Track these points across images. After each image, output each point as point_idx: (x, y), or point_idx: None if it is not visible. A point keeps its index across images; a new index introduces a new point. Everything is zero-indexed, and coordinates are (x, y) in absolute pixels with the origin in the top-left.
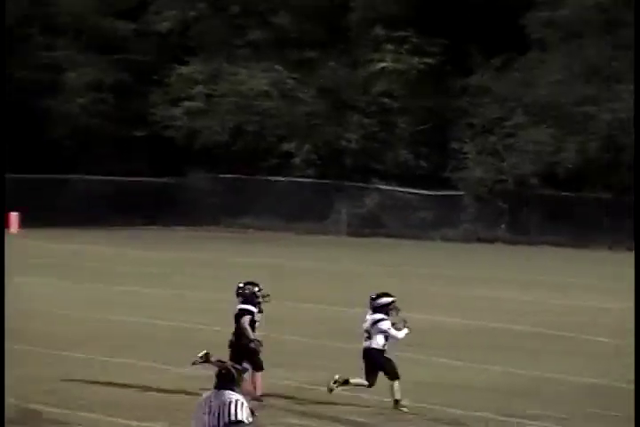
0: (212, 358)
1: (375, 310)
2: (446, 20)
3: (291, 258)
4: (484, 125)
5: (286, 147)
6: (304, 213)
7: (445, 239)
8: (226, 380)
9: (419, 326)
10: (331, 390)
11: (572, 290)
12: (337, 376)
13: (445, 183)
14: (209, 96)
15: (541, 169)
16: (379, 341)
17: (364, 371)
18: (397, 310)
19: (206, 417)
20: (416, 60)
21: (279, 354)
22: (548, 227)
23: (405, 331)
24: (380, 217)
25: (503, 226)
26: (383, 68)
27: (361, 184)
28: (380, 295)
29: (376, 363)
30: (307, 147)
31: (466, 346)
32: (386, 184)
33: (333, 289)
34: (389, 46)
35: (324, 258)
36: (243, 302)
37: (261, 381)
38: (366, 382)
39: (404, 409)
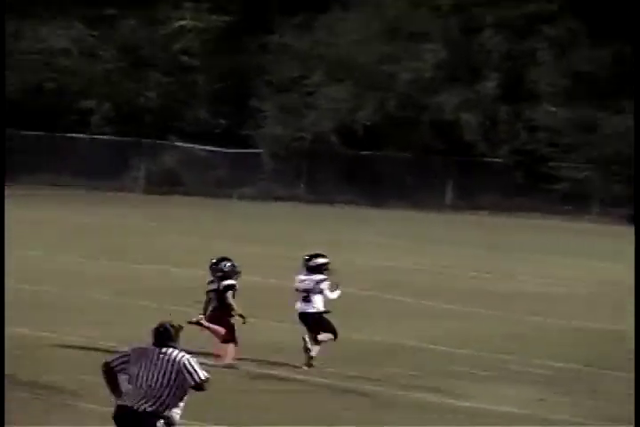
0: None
1: (311, 269)
2: None
3: (83, 213)
4: (284, 83)
5: (86, 104)
6: (102, 170)
7: (242, 197)
8: (164, 337)
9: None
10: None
11: (371, 248)
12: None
13: (245, 141)
14: (9, 54)
15: (340, 127)
16: (318, 303)
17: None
18: (330, 271)
19: (144, 378)
20: (215, 18)
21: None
22: (347, 185)
23: (338, 292)
24: (178, 175)
25: (301, 184)
26: (182, 26)
27: (159, 142)
28: (313, 256)
29: (313, 326)
30: (106, 105)
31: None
32: (184, 142)
33: (126, 246)
34: (188, 4)
35: (119, 215)
36: (222, 278)
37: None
38: (332, 336)
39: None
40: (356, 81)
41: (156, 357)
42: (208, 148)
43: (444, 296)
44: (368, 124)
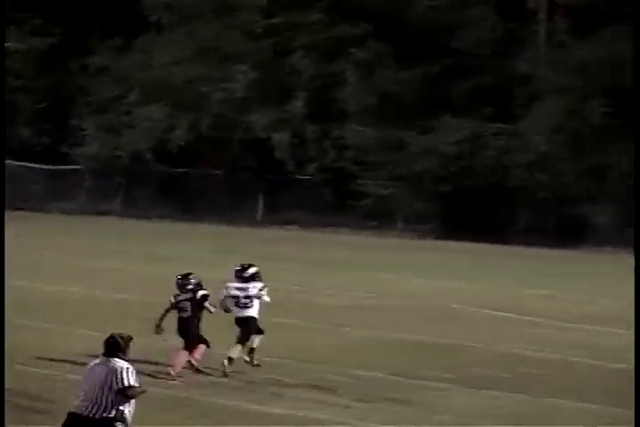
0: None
1: (246, 279)
2: (67, 3)
3: None
4: (103, 103)
5: None
6: None
7: (64, 212)
8: (113, 348)
9: (48, 298)
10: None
11: (187, 262)
12: (226, 362)
13: (65, 158)
14: None
15: (156, 145)
16: (256, 308)
17: (238, 335)
18: (261, 279)
19: (89, 384)
20: (38, 40)
21: None
22: (162, 201)
23: (267, 298)
24: None
25: (118, 200)
26: (6, 47)
27: None
28: (245, 267)
29: (254, 328)
30: None
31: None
32: (7, 159)
33: None
34: (12, 27)
35: None
36: (195, 290)
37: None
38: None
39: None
40: (170, 101)
41: (101, 366)
42: (29, 164)
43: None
44: (182, 143)
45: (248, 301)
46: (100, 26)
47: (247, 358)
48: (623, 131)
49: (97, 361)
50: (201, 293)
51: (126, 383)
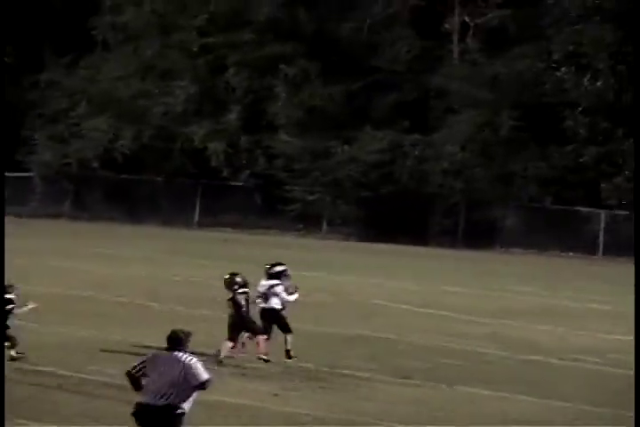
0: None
1: (270, 276)
2: (20, 22)
3: None
4: (53, 115)
5: None
6: None
7: (18, 216)
8: (175, 343)
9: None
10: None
11: (130, 261)
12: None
13: (19, 166)
14: None
15: (102, 154)
16: (274, 302)
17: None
18: (289, 276)
19: (157, 377)
20: None
21: None
22: (108, 205)
23: (296, 295)
24: None
25: (67, 203)
26: None
27: None
28: (274, 265)
29: (272, 320)
30: None
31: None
32: None
33: None
34: None
35: None
36: (241, 287)
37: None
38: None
39: (295, 359)
40: (115, 114)
41: (167, 360)
42: None
43: (196, 303)
44: (127, 152)
45: (271, 295)
46: (51, 44)
47: (286, 358)
48: (528, 142)
49: (159, 354)
50: (244, 290)
51: (204, 378)
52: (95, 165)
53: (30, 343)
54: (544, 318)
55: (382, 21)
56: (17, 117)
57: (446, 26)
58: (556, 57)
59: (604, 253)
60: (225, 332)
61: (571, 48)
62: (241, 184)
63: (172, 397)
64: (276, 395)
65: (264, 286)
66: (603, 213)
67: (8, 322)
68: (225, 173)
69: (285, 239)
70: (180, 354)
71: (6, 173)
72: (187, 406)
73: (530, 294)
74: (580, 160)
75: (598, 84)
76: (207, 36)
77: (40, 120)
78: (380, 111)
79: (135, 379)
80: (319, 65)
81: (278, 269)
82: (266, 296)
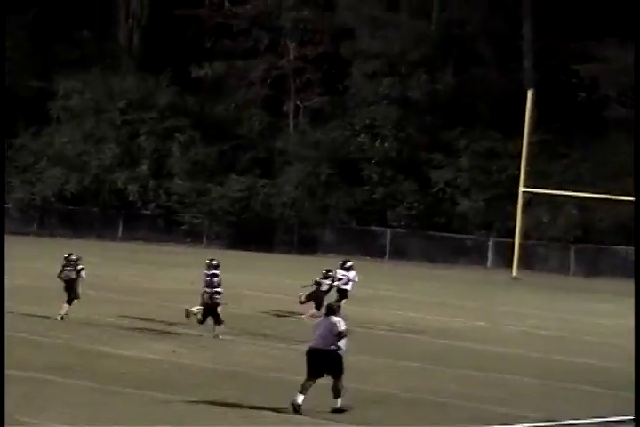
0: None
1: (346, 269)
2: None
3: None
4: (24, 167)
5: None
6: None
7: None
8: (331, 311)
9: None
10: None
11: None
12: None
13: None
14: None
15: (56, 193)
16: (347, 286)
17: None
18: (352, 267)
19: (320, 331)
20: None
21: None
22: (61, 227)
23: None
24: None
25: (34, 226)
26: None
27: None
28: (345, 261)
29: (345, 295)
30: None
31: None
32: None
33: None
34: None
35: None
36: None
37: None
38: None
39: None
40: (66, 166)
41: (326, 320)
42: None
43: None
44: (73, 191)
45: (346, 280)
46: (22, 119)
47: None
48: (339, 184)
49: (322, 319)
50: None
51: (341, 329)
52: (52, 200)
53: None
54: (356, 300)
55: (243, 104)
56: None
57: (285, 107)
58: (357, 128)
59: (389, 258)
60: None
61: (367, 122)
62: (149, 212)
63: (330, 342)
64: (173, 351)
65: (345, 275)
66: (388, 231)
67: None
68: (138, 205)
69: (178, 249)
70: (333, 317)
71: None
72: (342, 344)
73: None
74: (373, 196)
75: (385, 145)
76: (126, 115)
77: (15, 170)
78: (241, 164)
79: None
80: (200, 133)
81: (349, 264)
82: (347, 280)
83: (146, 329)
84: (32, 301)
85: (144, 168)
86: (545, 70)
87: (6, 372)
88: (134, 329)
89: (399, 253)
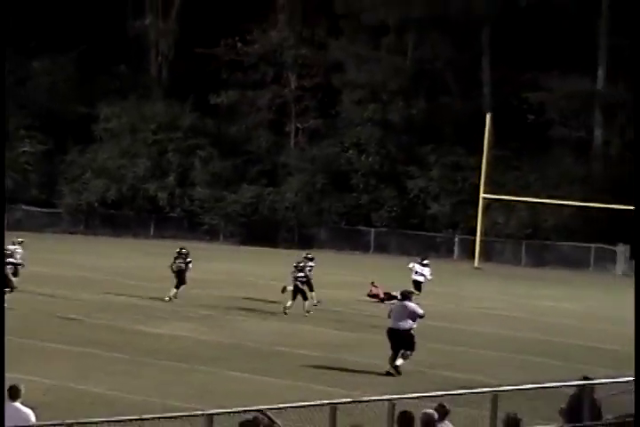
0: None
1: (424, 265)
2: (51, 128)
3: None
4: (73, 178)
5: None
6: None
7: (54, 232)
8: (405, 297)
9: None
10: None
11: (111, 257)
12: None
13: (53, 205)
14: None
15: (99, 199)
16: (421, 278)
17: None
18: (429, 264)
19: (395, 313)
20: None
21: None
22: (102, 227)
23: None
24: None
25: (81, 226)
26: None
27: None
28: (424, 258)
29: (420, 287)
30: None
31: None
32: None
33: None
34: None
35: None
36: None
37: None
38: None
39: None
40: (107, 177)
41: (400, 305)
42: (33, 208)
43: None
44: (113, 198)
45: (422, 272)
46: (72, 139)
47: None
48: (332, 192)
49: (397, 303)
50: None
51: (421, 313)
52: (96, 205)
53: None
54: (350, 285)
55: (252, 126)
56: (53, 180)
57: (287, 129)
58: (346, 145)
59: (373, 252)
60: None
61: (355, 140)
62: (176, 215)
63: (404, 323)
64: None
65: (422, 268)
66: (372, 230)
67: None
68: (167, 209)
69: (200, 245)
70: (407, 302)
71: (46, 210)
72: (414, 326)
73: (331, 274)
74: (360, 201)
75: (370, 159)
76: (156, 135)
77: (65, 181)
78: (250, 175)
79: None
80: (218, 150)
81: (426, 261)
82: (421, 274)
83: (174, 311)
84: (80, 288)
85: (171, 179)
86: (500, 97)
87: (58, 347)
88: (165, 311)
89: (381, 248)
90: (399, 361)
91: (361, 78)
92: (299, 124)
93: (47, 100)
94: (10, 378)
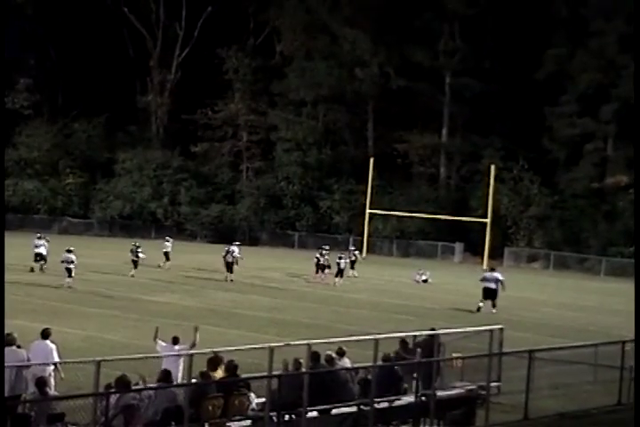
0: None
1: (491, 270)
2: (86, 165)
3: None
4: (105, 200)
5: None
6: None
7: (94, 235)
8: (492, 269)
9: None
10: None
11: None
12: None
13: (89, 217)
14: None
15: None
16: (492, 285)
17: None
18: (496, 269)
19: (488, 278)
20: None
21: None
22: (124, 230)
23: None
24: None
25: (106, 232)
26: None
27: None
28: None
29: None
30: None
31: None
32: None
33: None
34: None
35: None
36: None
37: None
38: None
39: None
40: (126, 202)
41: (491, 274)
42: (75, 219)
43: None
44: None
45: (493, 279)
46: (100, 173)
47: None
48: (271, 208)
49: (487, 274)
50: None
51: (502, 279)
52: (116, 217)
53: None
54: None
55: (218, 166)
56: (87, 201)
57: (240, 167)
58: (280, 178)
59: (297, 248)
60: None
61: (285, 175)
62: (168, 224)
63: (494, 284)
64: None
65: (490, 274)
66: (297, 233)
67: None
68: (163, 220)
69: (185, 244)
70: (495, 273)
71: (83, 220)
72: (497, 286)
73: (269, 262)
74: (289, 215)
75: (295, 187)
76: (155, 172)
77: (96, 201)
78: (217, 198)
79: None
80: (196, 182)
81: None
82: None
83: (166, 286)
84: (105, 272)
85: (165, 200)
86: (379, 147)
87: (89, 310)
88: (160, 286)
89: (302, 245)
90: (494, 310)
91: (289, 135)
92: (248, 165)
93: (84, 148)
94: (58, 330)
